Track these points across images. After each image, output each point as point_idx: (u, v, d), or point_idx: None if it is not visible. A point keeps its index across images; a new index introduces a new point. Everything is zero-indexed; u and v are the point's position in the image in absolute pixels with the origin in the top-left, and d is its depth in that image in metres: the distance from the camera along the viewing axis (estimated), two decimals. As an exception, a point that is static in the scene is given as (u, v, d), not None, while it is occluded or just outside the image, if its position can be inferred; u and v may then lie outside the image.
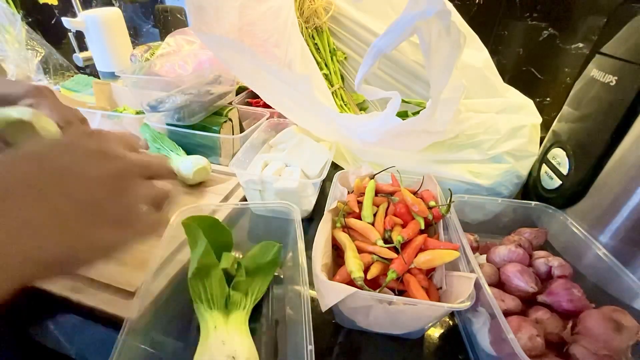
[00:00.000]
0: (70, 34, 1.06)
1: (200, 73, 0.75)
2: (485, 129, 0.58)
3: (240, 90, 0.91)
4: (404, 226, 0.45)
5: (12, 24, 0.92)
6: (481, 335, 0.39)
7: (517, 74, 0.87)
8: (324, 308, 0.37)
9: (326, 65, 0.80)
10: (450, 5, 0.59)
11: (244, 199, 0.63)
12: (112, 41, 1.05)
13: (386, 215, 0.46)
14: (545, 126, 0.61)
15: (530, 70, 0.87)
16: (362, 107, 0.85)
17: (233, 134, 0.75)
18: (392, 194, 0.49)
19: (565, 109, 0.56)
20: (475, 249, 0.49)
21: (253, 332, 0.40)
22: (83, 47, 1.10)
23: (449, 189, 0.48)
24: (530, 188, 0.60)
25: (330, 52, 0.81)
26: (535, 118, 0.60)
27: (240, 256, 0.49)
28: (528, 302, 0.41)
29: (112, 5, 1.20)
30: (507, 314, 0.37)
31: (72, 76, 1.05)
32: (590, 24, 0.77)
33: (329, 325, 0.44)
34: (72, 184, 0.24)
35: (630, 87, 0.44)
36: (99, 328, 0.43)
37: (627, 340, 0.34)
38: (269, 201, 0.59)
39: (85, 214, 0.24)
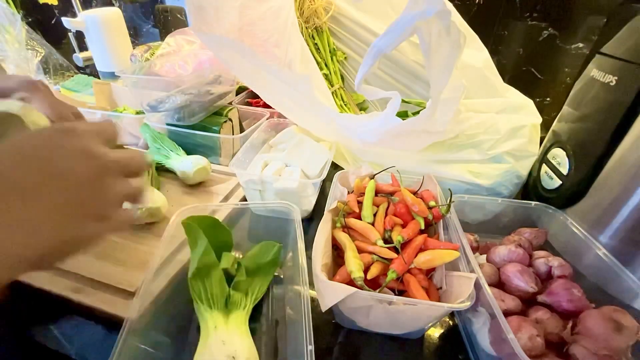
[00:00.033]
0: (70, 34, 1.06)
1: (200, 73, 0.75)
2: (485, 129, 0.58)
3: (240, 90, 0.91)
4: (404, 226, 0.45)
5: (12, 24, 0.92)
6: (481, 335, 0.39)
7: (517, 74, 0.87)
8: (324, 308, 0.37)
9: (326, 65, 0.80)
10: (450, 5, 0.59)
11: (244, 199, 0.63)
12: (112, 41, 1.05)
13: (386, 215, 0.46)
14: (545, 126, 0.61)
15: (530, 70, 0.87)
16: (362, 107, 0.85)
17: (233, 134, 0.75)
18: (392, 194, 0.49)
19: (565, 109, 0.56)
20: (475, 249, 0.49)
21: (253, 332, 0.40)
22: (83, 47, 1.10)
23: (449, 189, 0.48)
24: (530, 188, 0.60)
25: (330, 52, 0.81)
26: (535, 118, 0.60)
27: (240, 256, 0.49)
28: (528, 302, 0.41)
29: (112, 5, 1.20)
30: (507, 314, 0.37)
31: (72, 76, 1.05)
32: (590, 24, 0.77)
33: (329, 325, 0.44)
34: (52, 183, 0.24)
35: (630, 87, 0.44)
36: (99, 328, 0.43)
37: (627, 340, 0.34)
38: (269, 201, 0.59)
39: (64, 211, 0.25)
